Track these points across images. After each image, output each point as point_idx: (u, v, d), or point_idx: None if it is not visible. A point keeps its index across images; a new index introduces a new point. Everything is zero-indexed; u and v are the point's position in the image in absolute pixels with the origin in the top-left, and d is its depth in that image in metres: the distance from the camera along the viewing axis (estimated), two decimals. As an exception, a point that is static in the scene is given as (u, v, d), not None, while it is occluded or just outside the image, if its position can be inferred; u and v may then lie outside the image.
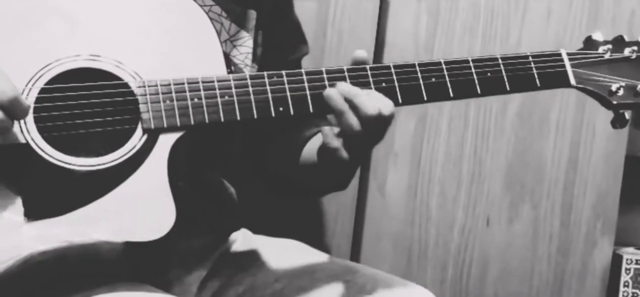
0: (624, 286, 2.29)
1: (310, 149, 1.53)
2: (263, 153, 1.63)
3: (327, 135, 1.37)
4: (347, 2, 2.04)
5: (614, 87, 1.50)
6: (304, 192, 1.69)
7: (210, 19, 1.48)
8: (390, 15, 2.07)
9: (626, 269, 2.29)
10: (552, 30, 2.13)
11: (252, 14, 1.60)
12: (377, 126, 1.37)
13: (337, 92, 1.37)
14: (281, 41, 1.65)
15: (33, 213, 1.27)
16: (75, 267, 1.29)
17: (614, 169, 2.19)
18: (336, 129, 1.38)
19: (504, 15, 2.11)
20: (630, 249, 2.36)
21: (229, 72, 1.41)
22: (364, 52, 1.42)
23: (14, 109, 1.25)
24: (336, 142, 1.37)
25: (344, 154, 1.37)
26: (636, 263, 2.30)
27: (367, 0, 2.05)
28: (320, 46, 2.04)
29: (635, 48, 1.52)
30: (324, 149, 1.41)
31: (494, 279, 2.17)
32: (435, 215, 2.13)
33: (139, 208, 1.31)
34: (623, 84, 1.50)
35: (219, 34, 1.53)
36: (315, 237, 2.09)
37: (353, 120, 1.36)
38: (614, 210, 2.20)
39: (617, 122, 1.52)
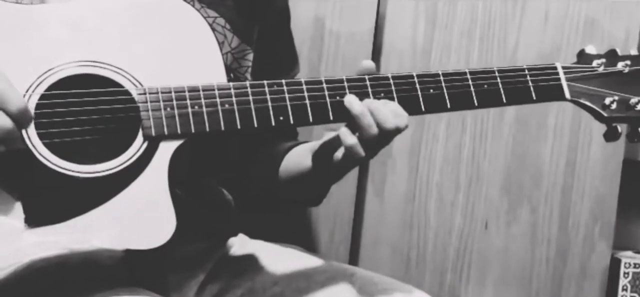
0: (623, 289, 2.30)
1: (294, 159, 1.54)
2: (241, 166, 1.64)
3: (345, 134, 1.37)
4: (345, 7, 2.04)
5: (607, 101, 1.50)
6: (275, 206, 1.69)
7: (214, 30, 1.48)
8: (388, 20, 2.07)
9: (624, 273, 2.30)
10: (549, 35, 2.13)
11: (255, 28, 1.60)
12: (391, 133, 1.39)
13: (355, 98, 1.38)
14: (276, 60, 1.66)
15: (34, 220, 1.27)
16: (74, 273, 1.29)
17: (612, 172, 2.19)
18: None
19: (501, 20, 2.12)
20: (629, 253, 2.37)
21: (229, 79, 1.41)
22: (371, 63, 1.43)
23: (23, 119, 1.26)
24: (352, 139, 1.37)
25: (361, 151, 1.38)
26: (634, 267, 2.30)
27: (364, 5, 2.06)
28: (317, 52, 2.04)
29: (628, 62, 1.52)
30: (328, 149, 1.42)
31: (492, 283, 2.17)
32: (434, 219, 2.13)
33: (140, 216, 1.31)
34: (616, 97, 1.51)
35: (221, 45, 1.53)
36: (314, 243, 2.09)
37: (371, 122, 1.37)
38: (612, 214, 2.20)
39: (610, 136, 1.53)
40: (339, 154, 1.40)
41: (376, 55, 2.07)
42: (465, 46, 2.10)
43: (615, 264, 2.29)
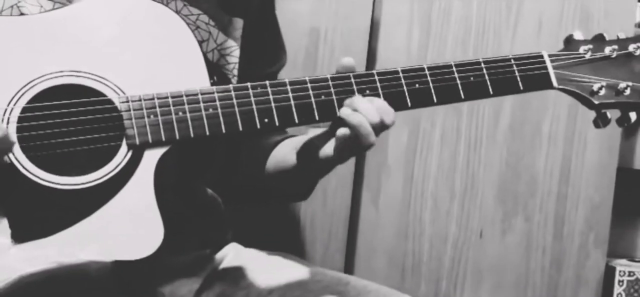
0: (617, 297, 2.30)
1: (282, 153, 1.54)
2: (229, 161, 1.64)
3: (339, 137, 1.37)
4: (339, 17, 2.05)
5: (595, 87, 1.49)
6: (264, 200, 1.69)
7: (198, 27, 1.47)
8: (382, 30, 2.07)
9: (619, 281, 2.29)
10: (543, 43, 2.13)
11: (239, 23, 1.60)
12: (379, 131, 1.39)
13: (349, 109, 1.38)
14: (263, 51, 1.65)
15: (20, 235, 1.26)
16: (64, 287, 1.28)
17: (607, 180, 2.19)
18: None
19: (495, 29, 2.12)
20: (623, 261, 2.36)
21: (212, 82, 1.41)
22: (351, 60, 1.42)
23: (2, 147, 1.25)
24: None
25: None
26: (629, 275, 2.30)
27: (359, 15, 2.06)
28: (312, 62, 2.04)
29: (616, 46, 1.51)
30: (311, 146, 1.42)
31: (487, 292, 2.16)
32: (429, 228, 2.13)
33: (127, 226, 1.30)
34: (604, 83, 1.49)
35: (206, 43, 1.53)
36: (309, 251, 2.09)
37: (369, 131, 1.36)
38: (607, 222, 2.20)
39: (600, 121, 1.51)
40: (323, 151, 1.40)
41: (371, 64, 2.07)
42: (459, 56, 2.10)
43: (610, 272, 2.28)
